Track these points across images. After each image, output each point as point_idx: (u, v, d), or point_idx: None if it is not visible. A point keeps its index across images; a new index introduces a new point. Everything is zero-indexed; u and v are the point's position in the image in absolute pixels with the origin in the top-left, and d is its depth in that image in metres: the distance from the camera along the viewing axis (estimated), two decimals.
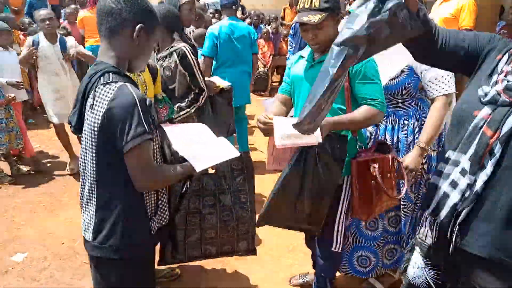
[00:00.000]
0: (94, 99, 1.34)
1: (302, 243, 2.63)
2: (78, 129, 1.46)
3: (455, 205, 1.23)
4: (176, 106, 2.73)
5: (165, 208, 1.57)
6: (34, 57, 4.06)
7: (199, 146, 1.58)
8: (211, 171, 1.72)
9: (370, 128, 2.31)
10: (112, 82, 1.33)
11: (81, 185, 1.50)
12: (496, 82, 1.20)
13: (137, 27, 1.38)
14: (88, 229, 1.47)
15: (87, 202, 1.46)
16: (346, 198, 2.08)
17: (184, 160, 1.51)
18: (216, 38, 4.03)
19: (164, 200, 1.56)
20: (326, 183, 1.90)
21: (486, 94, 1.21)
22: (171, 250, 1.72)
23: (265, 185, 3.48)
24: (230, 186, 1.81)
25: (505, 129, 1.14)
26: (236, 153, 1.58)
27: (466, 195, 1.21)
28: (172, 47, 2.74)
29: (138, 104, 1.30)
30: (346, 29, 1.18)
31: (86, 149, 1.41)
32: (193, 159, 1.48)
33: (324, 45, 1.96)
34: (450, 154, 1.28)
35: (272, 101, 2.32)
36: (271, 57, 8.40)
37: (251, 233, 1.88)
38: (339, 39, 1.19)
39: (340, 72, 1.21)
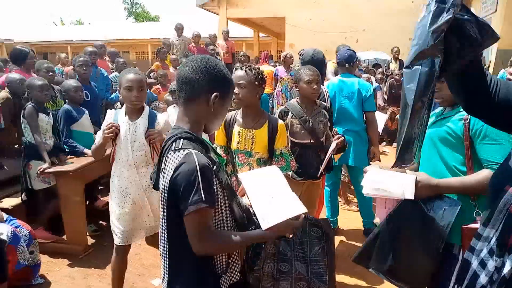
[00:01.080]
0: (165, 164, 1.45)
1: None
2: (157, 186, 1.57)
3: None
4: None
5: (237, 265, 1.57)
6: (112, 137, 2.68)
7: (269, 198, 1.57)
8: (288, 236, 1.63)
9: None
10: (181, 149, 1.40)
11: (159, 238, 1.57)
12: None
13: (213, 95, 1.46)
14: (164, 283, 1.55)
15: (163, 256, 1.54)
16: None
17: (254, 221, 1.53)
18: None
19: (236, 257, 1.57)
20: (426, 243, 1.78)
21: None
22: None
23: None
24: (307, 254, 1.70)
25: None
26: (303, 209, 1.51)
27: (494, 278, 1.06)
28: (320, 105, 3.19)
29: (199, 173, 1.35)
30: (412, 47, 1.14)
31: (160, 207, 1.51)
32: (261, 218, 1.47)
33: (449, 99, 1.95)
34: (482, 229, 1.15)
35: None
36: None
37: None
38: (407, 61, 1.14)
39: (421, 96, 1.15)
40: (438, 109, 2.08)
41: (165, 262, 1.53)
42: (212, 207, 1.39)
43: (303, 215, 1.53)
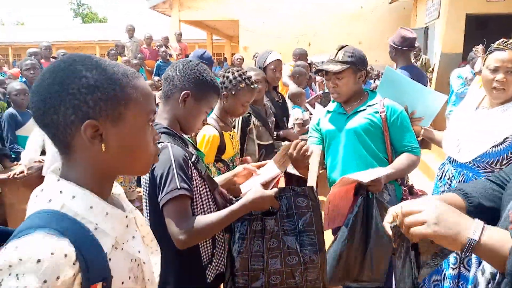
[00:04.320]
0: None
1: None
2: (139, 182, 1.62)
3: None
4: None
5: (222, 255, 1.59)
6: None
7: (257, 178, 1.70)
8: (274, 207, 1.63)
9: None
10: (158, 143, 1.41)
11: None
12: None
13: (183, 93, 1.51)
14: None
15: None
16: None
17: None
18: None
19: (222, 247, 1.59)
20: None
21: None
22: None
23: None
24: (295, 227, 1.62)
25: None
26: (275, 172, 1.66)
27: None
28: (266, 105, 3.19)
29: (173, 163, 1.38)
30: None
31: (143, 200, 1.54)
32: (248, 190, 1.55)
33: (344, 95, 2.19)
34: None
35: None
36: None
37: (321, 280, 1.64)
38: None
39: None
40: (331, 107, 2.34)
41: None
42: (188, 195, 1.40)
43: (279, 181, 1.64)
